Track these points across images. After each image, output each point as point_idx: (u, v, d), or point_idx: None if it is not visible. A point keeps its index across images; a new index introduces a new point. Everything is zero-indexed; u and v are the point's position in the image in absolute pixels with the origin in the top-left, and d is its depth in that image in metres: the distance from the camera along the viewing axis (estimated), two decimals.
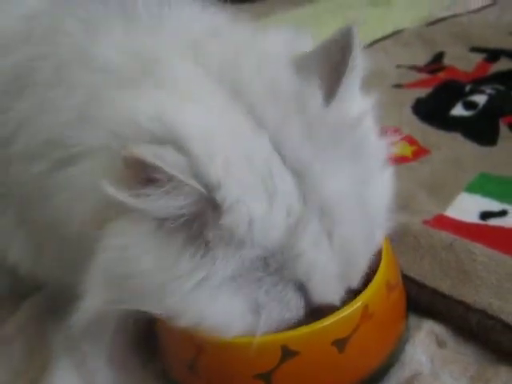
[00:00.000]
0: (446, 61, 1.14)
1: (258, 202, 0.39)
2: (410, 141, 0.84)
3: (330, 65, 0.43)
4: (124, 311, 0.44)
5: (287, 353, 0.43)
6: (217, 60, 0.45)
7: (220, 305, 0.41)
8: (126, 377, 0.53)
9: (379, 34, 1.37)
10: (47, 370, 0.53)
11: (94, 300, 0.43)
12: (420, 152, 0.82)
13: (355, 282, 0.46)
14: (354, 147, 0.44)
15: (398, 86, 1.04)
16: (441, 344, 0.52)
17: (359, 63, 0.44)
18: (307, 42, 0.47)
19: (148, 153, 0.37)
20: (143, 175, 0.37)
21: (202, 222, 0.39)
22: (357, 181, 0.44)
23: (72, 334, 0.55)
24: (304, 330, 0.43)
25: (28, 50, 0.53)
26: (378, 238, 0.48)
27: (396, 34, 1.33)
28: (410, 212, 0.67)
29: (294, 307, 0.43)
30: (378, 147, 0.48)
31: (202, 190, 0.38)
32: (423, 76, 1.08)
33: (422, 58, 1.18)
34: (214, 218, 0.39)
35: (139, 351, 0.55)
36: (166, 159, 0.37)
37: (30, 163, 0.50)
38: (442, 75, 1.08)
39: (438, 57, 1.17)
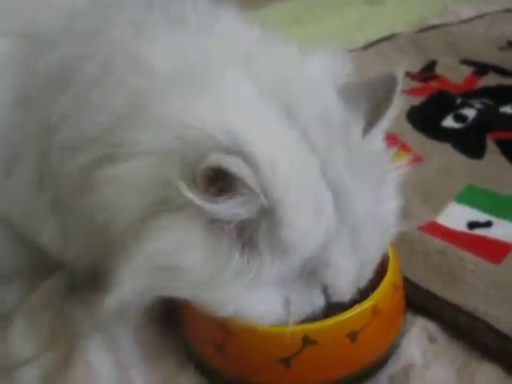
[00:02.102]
0: (438, 70, 1.20)
1: (308, 218, 0.44)
2: (405, 148, 0.90)
3: (373, 101, 0.49)
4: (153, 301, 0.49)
5: (307, 342, 0.49)
6: (268, 77, 0.48)
7: (258, 301, 0.47)
8: (149, 353, 0.58)
9: (374, 35, 1.43)
10: (78, 345, 0.57)
11: (130, 286, 0.46)
12: (414, 160, 0.88)
13: (363, 284, 0.52)
14: (378, 174, 0.51)
15: None
16: (432, 340, 0.58)
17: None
18: (346, 67, 0.52)
19: (232, 163, 0.40)
20: (221, 184, 0.41)
21: (255, 228, 0.44)
22: (377, 201, 0.50)
23: (99, 312, 0.61)
24: (324, 323, 0.50)
25: (72, 47, 0.55)
26: (386, 245, 0.55)
27: (392, 37, 1.38)
28: (405, 218, 0.73)
29: (317, 305, 0.49)
30: (393, 173, 0.55)
31: (265, 201, 0.42)
32: (416, 84, 1.14)
33: (416, 64, 1.23)
34: (268, 227, 0.43)
35: (160, 328, 0.61)
36: (244, 171, 0.41)
37: (71, 155, 0.53)
38: (433, 84, 1.14)
39: (431, 65, 1.23)
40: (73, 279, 0.66)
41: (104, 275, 0.49)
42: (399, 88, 0.49)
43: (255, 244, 0.44)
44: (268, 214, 0.43)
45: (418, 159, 0.89)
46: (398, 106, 0.50)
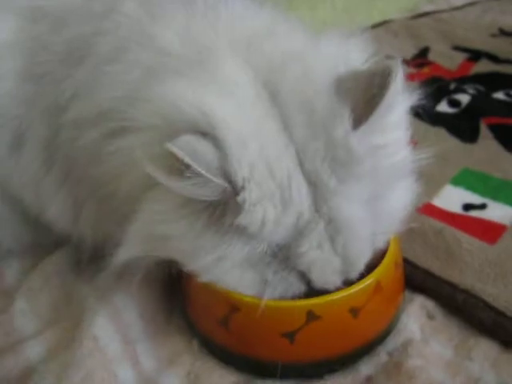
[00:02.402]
0: (431, 56, 1.22)
1: (272, 206, 0.45)
2: None
3: (367, 95, 0.45)
4: (153, 262, 0.52)
5: (311, 316, 0.50)
6: (265, 64, 0.49)
7: (234, 277, 0.48)
8: (154, 330, 0.59)
9: (365, 21, 1.44)
10: (83, 321, 0.58)
11: (132, 248, 0.50)
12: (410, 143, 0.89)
13: (353, 276, 0.51)
14: (370, 171, 0.47)
15: None
16: (430, 316, 0.60)
17: (402, 99, 0.48)
18: (358, 56, 0.51)
19: (185, 149, 0.42)
20: (181, 166, 0.42)
21: (224, 208, 0.45)
22: (367, 197, 0.48)
23: (102, 287, 0.62)
24: (327, 298, 0.51)
25: (87, 25, 0.56)
26: (380, 242, 0.53)
27: (385, 23, 1.39)
28: None
29: (296, 288, 0.50)
30: (399, 163, 0.51)
31: (228, 186, 0.43)
32: (410, 70, 1.16)
33: (409, 50, 1.25)
34: (234, 209, 0.44)
35: (164, 306, 0.62)
36: (198, 157, 0.42)
37: (82, 130, 0.54)
38: (426, 70, 1.15)
39: (424, 52, 1.24)
40: (78, 255, 0.66)
41: (111, 250, 0.51)
42: (396, 81, 0.44)
43: (226, 224, 0.45)
44: (234, 199, 0.44)
45: (413, 142, 0.90)
46: (403, 99, 0.49)
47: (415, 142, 0.89)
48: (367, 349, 0.55)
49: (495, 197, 0.76)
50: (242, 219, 0.44)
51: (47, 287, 0.66)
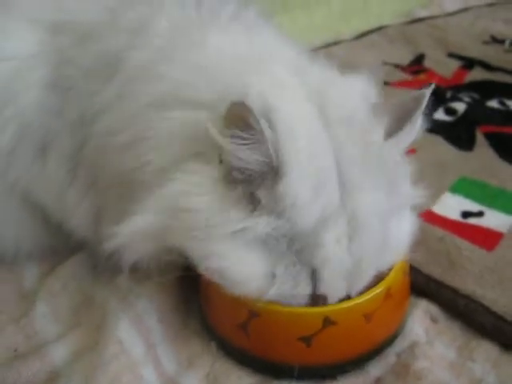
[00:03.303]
0: (427, 63, 1.25)
1: (307, 189, 0.47)
2: None
3: (400, 112, 0.53)
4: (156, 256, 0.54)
5: (327, 322, 0.53)
6: (309, 85, 0.53)
7: (244, 260, 0.49)
8: (173, 333, 0.61)
9: (361, 26, 1.47)
10: (106, 325, 0.61)
11: (147, 219, 0.51)
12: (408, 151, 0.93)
13: (355, 290, 0.53)
14: (392, 181, 0.53)
15: (386, 83, 1.14)
16: (434, 320, 0.63)
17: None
18: (374, 91, 0.55)
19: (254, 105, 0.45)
20: (242, 123, 0.45)
21: (262, 181, 0.48)
22: (385, 209, 0.52)
23: (123, 291, 0.64)
24: (343, 305, 0.54)
25: (117, 41, 0.59)
26: (389, 262, 0.56)
27: (381, 29, 1.42)
28: None
29: (302, 289, 0.50)
30: (410, 193, 0.57)
31: (275, 160, 0.46)
32: (407, 76, 1.19)
33: (405, 56, 1.28)
34: (272, 184, 0.47)
35: (181, 311, 0.64)
36: (264, 123, 0.46)
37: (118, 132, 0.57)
38: (423, 77, 1.19)
39: (420, 58, 1.28)
40: (95, 260, 0.69)
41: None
42: (425, 104, 0.52)
43: (259, 199, 0.48)
44: (274, 173, 0.47)
45: (411, 150, 0.93)
46: (418, 124, 0.54)
47: (413, 151, 0.93)
48: (377, 351, 0.58)
49: (492, 205, 0.80)
50: (278, 191, 0.47)
51: (66, 291, 0.68)
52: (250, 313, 0.54)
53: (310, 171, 0.48)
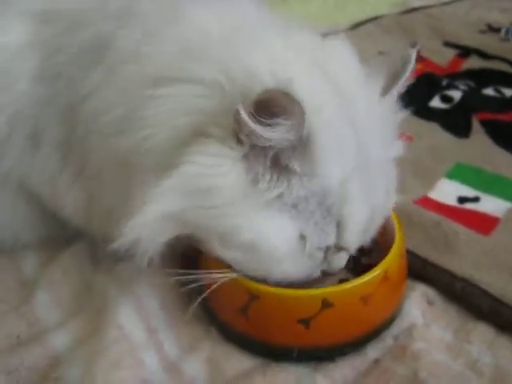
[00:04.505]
0: (423, 52, 1.26)
1: (335, 150, 0.50)
2: None
3: (391, 70, 0.58)
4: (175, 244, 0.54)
5: (326, 304, 0.54)
6: (308, 54, 0.54)
7: (277, 227, 0.51)
8: (174, 318, 0.62)
9: (356, 16, 1.47)
10: (107, 310, 0.61)
11: (164, 204, 0.50)
12: (405, 138, 0.94)
13: (367, 241, 0.57)
14: (389, 133, 0.58)
15: None
16: (431, 303, 0.64)
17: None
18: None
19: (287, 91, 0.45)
20: (275, 109, 0.46)
21: (290, 154, 0.49)
22: (386, 159, 0.57)
23: (123, 277, 0.65)
24: (341, 287, 0.55)
25: (103, 25, 0.59)
26: (389, 208, 0.60)
27: (377, 18, 1.43)
28: (401, 192, 0.79)
29: (330, 240, 0.53)
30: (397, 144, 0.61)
31: (305, 131, 0.48)
32: None
33: (401, 46, 1.29)
34: (303, 151, 0.49)
35: (180, 294, 0.65)
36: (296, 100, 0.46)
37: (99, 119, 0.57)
38: (420, 66, 1.19)
39: (413, 46, 1.28)
40: (94, 248, 0.69)
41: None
42: (413, 63, 0.58)
43: (287, 168, 0.50)
44: (305, 143, 0.48)
45: (407, 138, 0.94)
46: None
47: (410, 138, 0.94)
48: (375, 333, 0.59)
49: (488, 190, 0.81)
50: (312, 159, 0.49)
51: (66, 278, 0.68)
52: (251, 296, 0.55)
53: (334, 134, 0.50)
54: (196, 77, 0.51)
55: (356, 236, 0.54)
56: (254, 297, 0.55)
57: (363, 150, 0.52)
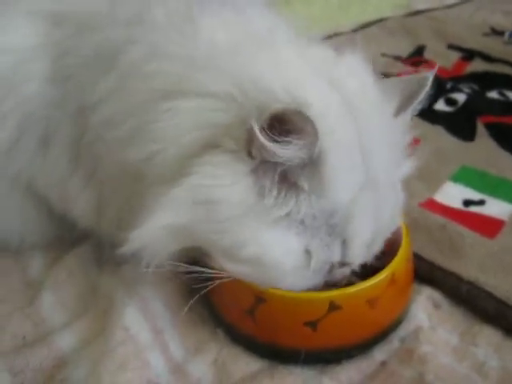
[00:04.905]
0: (426, 55, 1.26)
1: (344, 171, 0.50)
2: None
3: (406, 91, 0.57)
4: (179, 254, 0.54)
5: (333, 306, 0.54)
6: (321, 69, 0.53)
7: (283, 243, 0.50)
8: (180, 320, 0.62)
9: (359, 18, 1.47)
10: (113, 311, 0.61)
11: (170, 214, 0.50)
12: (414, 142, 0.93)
13: (372, 255, 0.56)
14: (402, 147, 0.58)
15: (386, 75, 1.15)
16: (437, 306, 0.64)
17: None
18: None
19: (305, 111, 0.46)
20: (288, 127, 0.46)
21: (299, 171, 0.49)
22: (397, 175, 0.57)
23: (129, 279, 0.65)
24: (348, 290, 0.55)
25: (116, 32, 0.58)
26: (397, 223, 0.60)
27: (381, 21, 1.43)
28: (407, 195, 0.79)
29: (335, 257, 0.53)
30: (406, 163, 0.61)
31: (316, 151, 0.47)
32: (407, 68, 1.20)
33: (405, 48, 1.29)
34: (313, 171, 0.49)
35: (186, 296, 0.65)
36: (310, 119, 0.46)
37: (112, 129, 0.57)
38: (423, 69, 1.20)
39: (419, 50, 1.28)
40: (100, 249, 0.70)
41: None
42: (429, 86, 0.57)
43: (296, 185, 0.49)
44: (315, 162, 0.48)
45: (415, 141, 0.94)
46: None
47: (418, 141, 0.94)
48: (382, 336, 0.59)
49: (493, 193, 0.81)
50: (321, 178, 0.49)
51: (72, 280, 0.69)
52: (257, 298, 0.55)
53: (345, 154, 0.50)
54: (208, 90, 0.51)
55: (359, 253, 0.54)
56: (260, 299, 0.55)
57: (372, 171, 0.52)
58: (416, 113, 0.60)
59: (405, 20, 1.43)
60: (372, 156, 0.52)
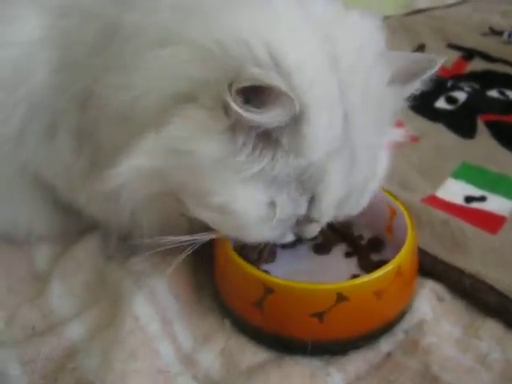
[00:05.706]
0: (427, 53, 1.27)
1: (323, 130, 0.50)
2: (399, 125, 0.96)
3: (412, 66, 0.57)
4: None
5: (340, 298, 0.55)
6: (317, 15, 0.53)
7: (250, 195, 0.51)
8: (188, 311, 0.63)
9: None
10: (122, 302, 0.62)
11: (145, 157, 0.51)
12: (412, 139, 0.95)
13: (341, 217, 0.58)
14: (385, 120, 0.58)
15: None
16: (440, 299, 0.65)
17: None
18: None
19: (271, 78, 0.46)
20: (262, 97, 0.46)
21: (280, 130, 0.49)
22: (376, 144, 0.57)
23: (138, 270, 0.66)
24: (356, 281, 0.56)
25: (113, 10, 0.59)
26: (371, 190, 0.60)
27: (383, 19, 1.43)
28: (409, 191, 0.81)
29: (300, 211, 0.54)
30: (393, 131, 0.63)
31: (297, 107, 0.47)
32: None
33: (406, 47, 1.30)
34: (292, 129, 0.49)
35: (194, 287, 0.66)
36: (281, 83, 0.46)
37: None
38: None
39: (420, 49, 1.29)
40: (106, 240, 0.70)
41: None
42: (435, 69, 0.57)
43: (274, 143, 0.50)
44: (295, 121, 0.48)
45: (414, 138, 0.96)
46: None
47: (417, 139, 0.95)
48: (387, 327, 0.60)
49: (494, 190, 0.82)
50: (301, 137, 0.49)
51: (80, 271, 0.69)
52: (266, 289, 0.56)
53: (324, 109, 0.50)
54: (186, 39, 0.50)
55: (327, 211, 0.55)
56: (269, 290, 0.56)
57: (351, 132, 0.52)
58: (413, 103, 0.61)
59: (405, 19, 1.44)
60: (352, 115, 0.52)
